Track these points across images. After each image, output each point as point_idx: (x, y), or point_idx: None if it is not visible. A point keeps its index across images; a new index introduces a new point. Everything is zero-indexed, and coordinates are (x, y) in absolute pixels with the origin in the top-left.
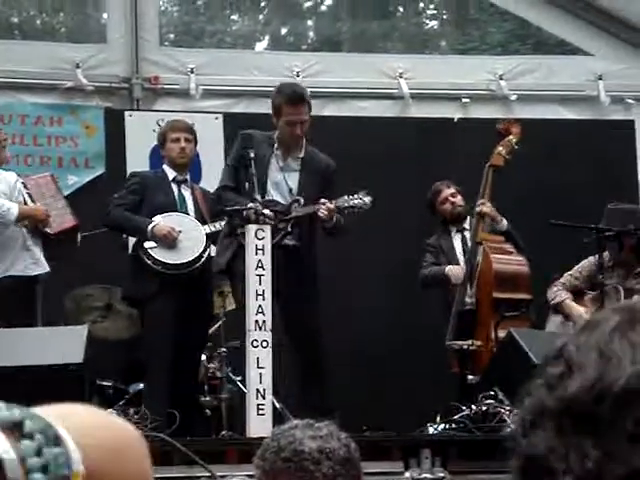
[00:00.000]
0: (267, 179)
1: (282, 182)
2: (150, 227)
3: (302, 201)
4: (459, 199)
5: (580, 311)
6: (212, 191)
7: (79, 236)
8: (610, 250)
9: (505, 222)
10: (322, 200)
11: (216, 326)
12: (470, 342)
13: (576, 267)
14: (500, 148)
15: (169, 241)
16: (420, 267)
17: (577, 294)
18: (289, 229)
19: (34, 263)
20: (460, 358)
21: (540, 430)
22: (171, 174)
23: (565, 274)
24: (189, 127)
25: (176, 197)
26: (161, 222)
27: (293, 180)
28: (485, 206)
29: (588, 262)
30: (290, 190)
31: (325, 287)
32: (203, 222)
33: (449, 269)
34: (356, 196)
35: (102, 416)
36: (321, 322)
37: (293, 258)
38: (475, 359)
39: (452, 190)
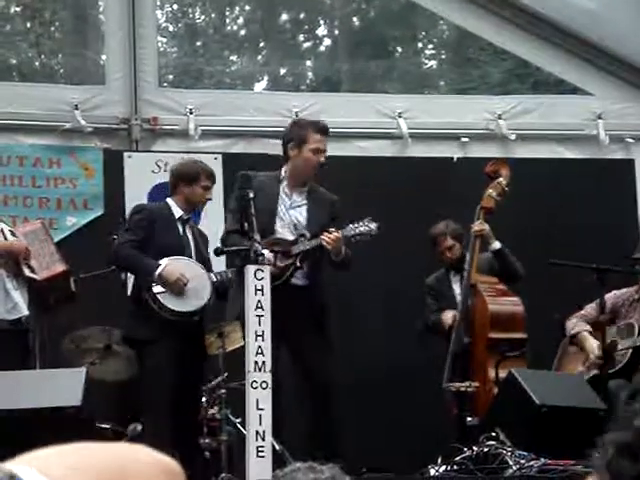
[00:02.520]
0: (275, 218)
1: (291, 219)
2: (158, 271)
3: (308, 235)
4: (457, 248)
5: (593, 346)
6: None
7: (72, 282)
8: None
9: (497, 243)
10: (329, 230)
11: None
12: (468, 384)
13: (598, 300)
14: (490, 190)
15: (178, 287)
16: (424, 311)
17: (596, 326)
18: (298, 264)
19: (12, 307)
20: (458, 400)
21: None
22: (177, 212)
23: (586, 306)
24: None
25: (181, 238)
26: (169, 265)
27: (301, 214)
28: (481, 226)
29: (613, 295)
30: (295, 225)
31: None
32: (204, 263)
33: (442, 315)
34: (361, 223)
35: (92, 455)
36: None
37: (303, 299)
38: (473, 400)
39: (450, 242)
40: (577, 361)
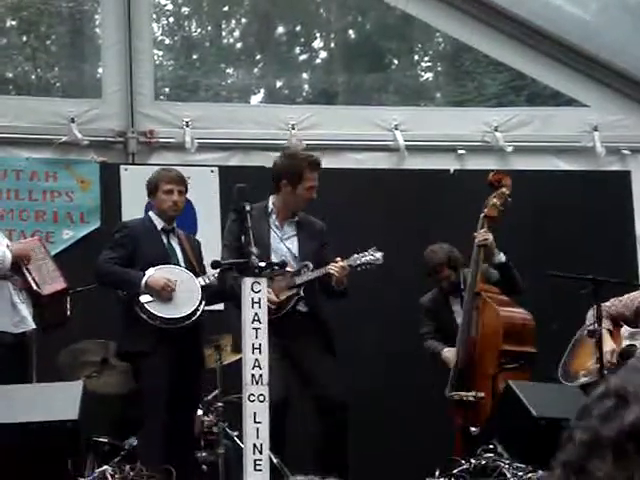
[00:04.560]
0: (270, 251)
1: (286, 252)
2: (144, 280)
3: (311, 266)
4: (453, 276)
5: (607, 349)
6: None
7: (68, 302)
8: None
9: (502, 255)
10: (336, 259)
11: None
12: (473, 393)
13: (627, 295)
14: (495, 200)
15: (166, 293)
16: (421, 330)
17: (617, 324)
18: (302, 294)
19: (19, 321)
20: (462, 410)
21: (597, 460)
22: (159, 224)
23: (612, 299)
24: (182, 178)
25: (166, 248)
26: (155, 274)
27: (293, 245)
28: (486, 235)
29: None
30: (295, 257)
31: None
32: (193, 270)
33: (445, 353)
34: (367, 253)
35: None
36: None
37: (308, 324)
38: (477, 411)
39: (447, 273)
40: (589, 355)
